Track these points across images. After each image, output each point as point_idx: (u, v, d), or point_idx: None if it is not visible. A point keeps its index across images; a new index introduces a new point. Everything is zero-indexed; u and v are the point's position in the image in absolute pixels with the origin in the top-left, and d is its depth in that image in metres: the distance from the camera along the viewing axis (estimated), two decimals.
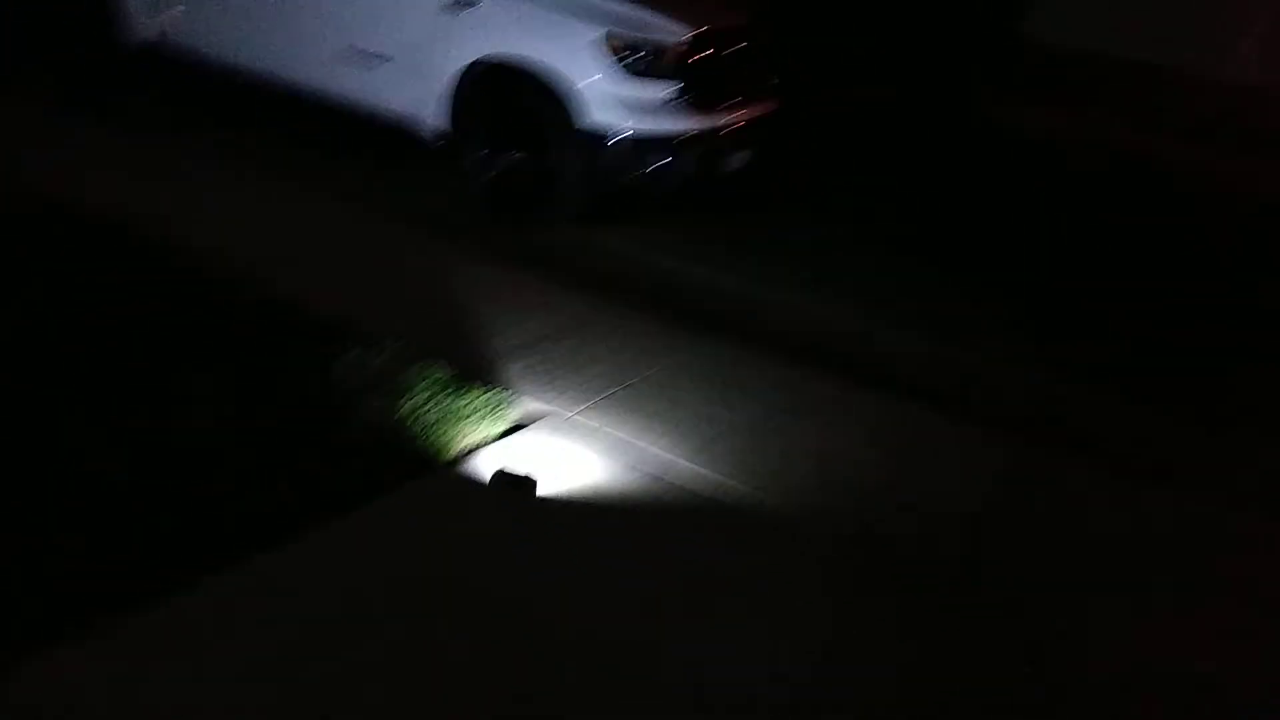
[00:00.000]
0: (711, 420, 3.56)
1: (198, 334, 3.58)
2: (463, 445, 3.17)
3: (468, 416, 3.28)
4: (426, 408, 3.28)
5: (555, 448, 3.26)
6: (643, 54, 4.99)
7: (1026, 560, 3.11)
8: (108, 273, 3.95)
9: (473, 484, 3.03)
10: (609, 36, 4.95)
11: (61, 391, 3.11)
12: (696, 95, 5.17)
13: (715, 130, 5.30)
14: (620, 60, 4.96)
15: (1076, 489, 3.57)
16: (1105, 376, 4.59)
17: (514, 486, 3.02)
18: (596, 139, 5.06)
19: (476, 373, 3.59)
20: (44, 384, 3.14)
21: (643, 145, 5.07)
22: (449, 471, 3.07)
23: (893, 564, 2.95)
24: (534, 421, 3.39)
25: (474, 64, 5.24)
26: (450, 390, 3.39)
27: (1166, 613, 2.99)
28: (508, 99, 5.27)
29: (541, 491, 3.02)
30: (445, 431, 3.20)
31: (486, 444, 3.21)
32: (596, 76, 4.99)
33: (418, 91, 5.42)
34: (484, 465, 3.10)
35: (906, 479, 3.42)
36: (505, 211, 5.42)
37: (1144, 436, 4.09)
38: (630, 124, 5.01)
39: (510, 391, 3.52)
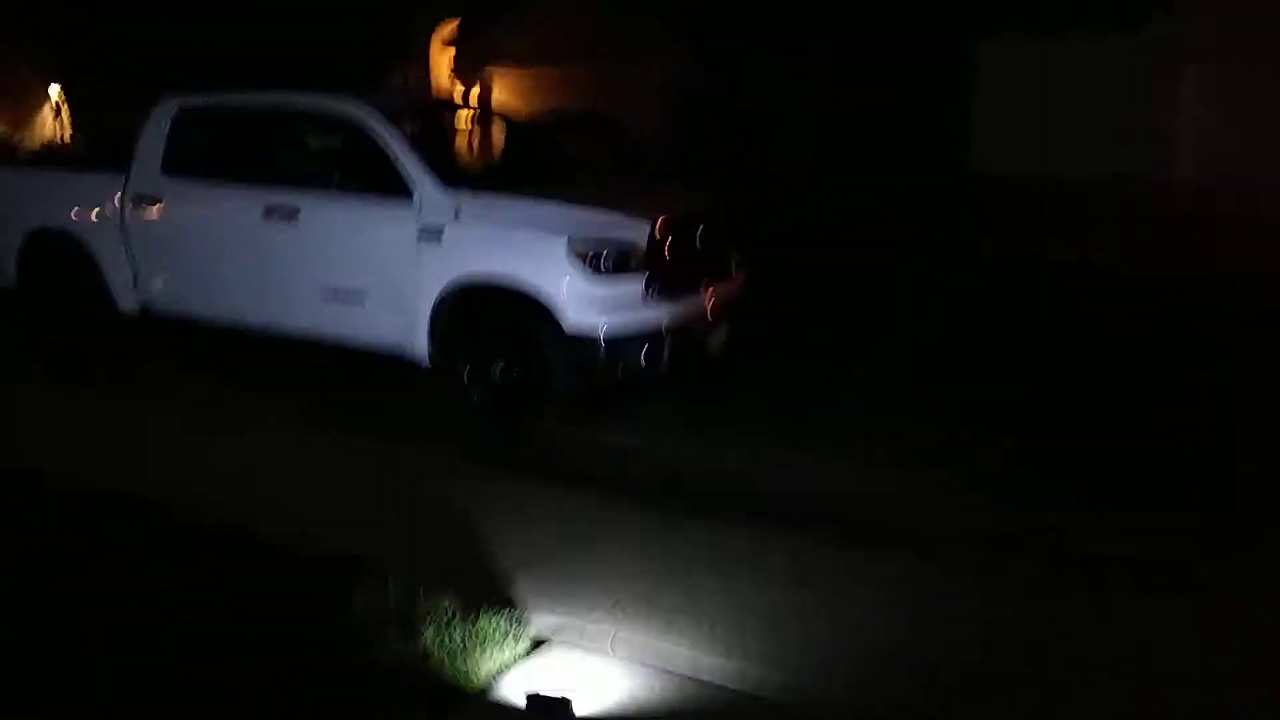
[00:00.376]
0: (731, 608, 3.52)
1: (206, 584, 3.59)
2: (489, 670, 3.13)
3: (488, 640, 3.25)
4: (446, 636, 3.25)
5: (581, 661, 3.22)
6: (609, 254, 5.19)
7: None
8: (113, 536, 3.97)
9: (508, 711, 2.97)
10: (573, 243, 5.17)
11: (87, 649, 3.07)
12: (668, 284, 5.35)
13: (692, 314, 5.47)
14: (589, 263, 5.16)
15: (1119, 619, 3.52)
16: (1101, 492, 4.61)
17: (549, 710, 2.96)
18: (578, 339, 5.20)
19: (490, 592, 3.56)
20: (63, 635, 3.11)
21: (624, 339, 5.22)
22: (481, 700, 3.02)
23: None
24: (555, 635, 3.36)
25: (450, 287, 5.44)
26: (467, 615, 3.36)
27: None
28: (488, 314, 5.45)
29: (578, 710, 2.95)
30: (469, 659, 3.16)
31: (512, 666, 3.17)
32: (569, 281, 5.18)
33: (401, 322, 5.61)
34: (513, 689, 3.05)
35: (930, 642, 3.36)
36: (500, 420, 5.51)
37: (1160, 551, 4.06)
38: (609, 320, 5.17)
39: (526, 608, 3.49)
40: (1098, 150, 16.69)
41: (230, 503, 4.35)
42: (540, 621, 3.43)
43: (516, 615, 3.43)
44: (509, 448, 5.26)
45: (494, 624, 3.34)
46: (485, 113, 8.15)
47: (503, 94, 24.92)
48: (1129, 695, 3.08)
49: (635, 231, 5.30)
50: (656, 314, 5.29)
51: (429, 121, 6.58)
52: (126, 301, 6.65)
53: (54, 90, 28.57)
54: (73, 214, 6.74)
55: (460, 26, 25.97)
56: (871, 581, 3.73)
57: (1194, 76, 16.65)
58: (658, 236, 5.35)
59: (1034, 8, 17.45)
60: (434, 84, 27.08)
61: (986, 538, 4.21)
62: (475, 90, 25.27)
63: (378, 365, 5.98)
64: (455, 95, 24.68)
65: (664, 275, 5.35)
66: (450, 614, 3.38)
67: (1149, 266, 10.00)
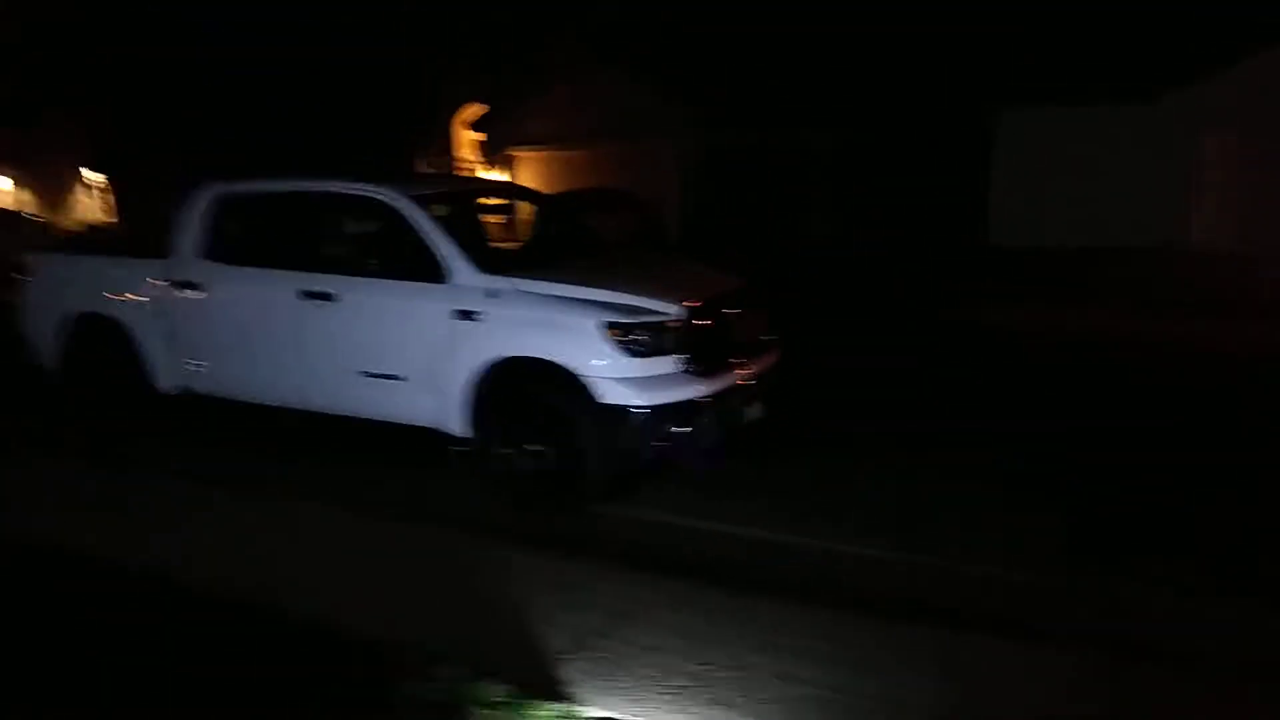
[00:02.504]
0: (787, 699, 3.45)
1: (246, 670, 3.56)
2: None
3: None
4: None
5: None
6: (642, 334, 5.23)
7: None
8: (149, 620, 3.95)
9: None
10: (605, 326, 5.21)
11: None
12: (702, 362, 5.38)
13: (725, 391, 5.48)
14: (623, 343, 5.19)
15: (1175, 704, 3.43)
16: (1157, 573, 4.51)
17: None
18: (613, 418, 5.21)
19: (536, 682, 3.51)
20: None
21: (659, 417, 5.21)
22: None
23: None
24: None
25: (486, 367, 5.48)
26: (515, 708, 3.31)
27: None
28: (523, 393, 5.48)
29: None
30: None
31: None
32: (603, 361, 5.21)
33: (438, 401, 5.64)
34: None
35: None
36: (536, 501, 5.49)
37: (1221, 633, 3.98)
38: (644, 399, 5.18)
39: (574, 701, 3.44)
40: (1114, 220, 16.78)
41: (269, 585, 4.33)
42: (590, 714, 3.37)
43: (572, 708, 3.37)
44: (546, 525, 5.24)
45: (550, 714, 3.28)
46: (513, 193, 8.30)
47: (525, 174, 25.40)
48: None
49: (668, 310, 5.34)
50: (691, 391, 5.30)
51: (461, 204, 6.69)
52: (166, 382, 6.73)
53: (88, 173, 29.37)
54: (114, 298, 6.86)
55: (483, 110, 26.60)
56: (916, 659, 3.66)
57: (1210, 147, 16.76)
58: (690, 315, 5.39)
59: (1050, 80, 17.63)
60: (457, 165, 27.66)
61: (1036, 616, 4.14)
62: (498, 171, 25.76)
63: (414, 444, 5.99)
64: (478, 176, 25.15)
65: (697, 353, 5.37)
66: (500, 702, 3.34)
67: (1173, 336, 9.98)
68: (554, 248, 6.68)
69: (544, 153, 25.25)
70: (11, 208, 29.93)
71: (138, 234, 19.16)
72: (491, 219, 7.46)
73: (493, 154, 26.10)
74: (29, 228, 22.74)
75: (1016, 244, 16.92)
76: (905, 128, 20.04)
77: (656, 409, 5.19)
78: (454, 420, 5.64)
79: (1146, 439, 6.60)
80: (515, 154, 25.80)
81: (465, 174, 25.91)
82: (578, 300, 5.38)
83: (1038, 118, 17.74)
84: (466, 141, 27.64)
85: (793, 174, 22.40)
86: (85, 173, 29.16)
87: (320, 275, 6.00)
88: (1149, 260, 14.78)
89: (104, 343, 6.88)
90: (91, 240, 20.99)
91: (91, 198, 29.02)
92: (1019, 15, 17.54)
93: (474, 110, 26.87)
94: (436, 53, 24.81)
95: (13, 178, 32.27)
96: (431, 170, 26.13)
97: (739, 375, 5.64)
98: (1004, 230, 17.83)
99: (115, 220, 27.53)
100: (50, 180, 31.39)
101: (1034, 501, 5.53)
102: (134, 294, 6.75)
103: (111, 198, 28.01)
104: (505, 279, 5.52)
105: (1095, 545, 4.93)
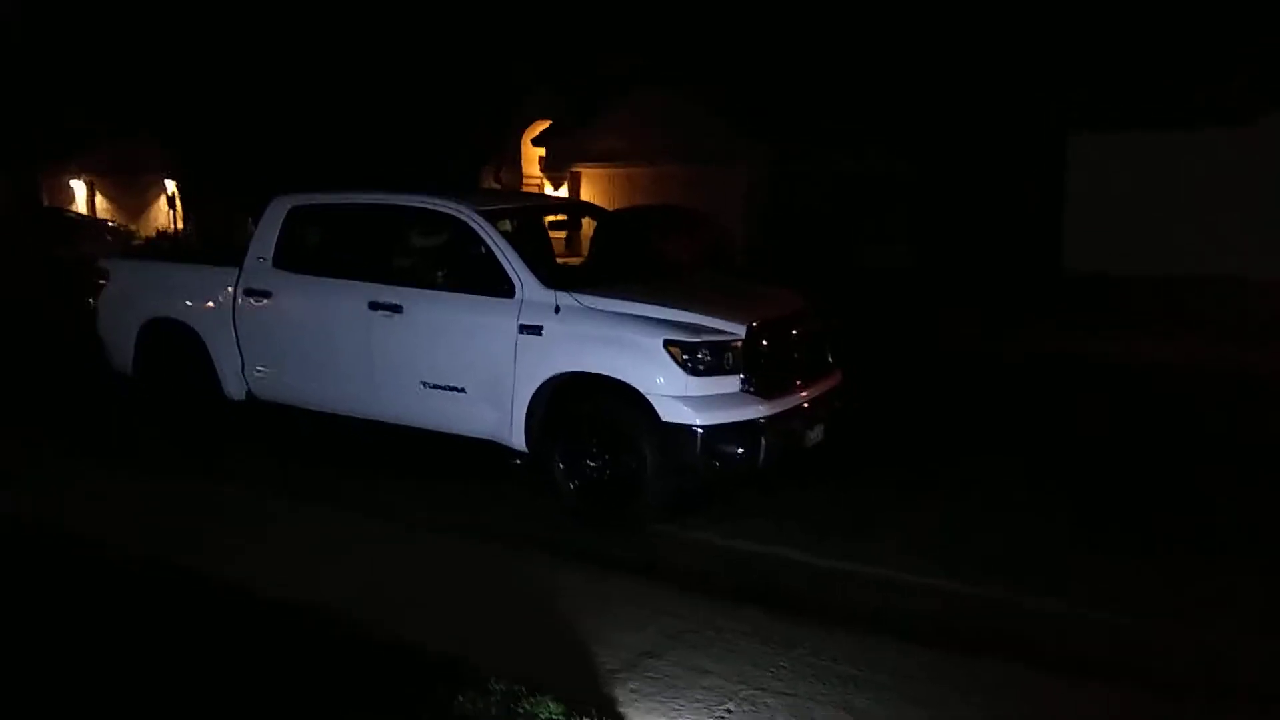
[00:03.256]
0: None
1: (292, 681, 3.59)
2: None
3: None
4: None
5: None
6: (705, 352, 5.21)
7: None
8: (203, 630, 4.01)
9: None
10: (668, 344, 5.20)
11: None
12: (763, 382, 5.34)
13: (787, 412, 5.42)
14: (686, 362, 5.17)
15: None
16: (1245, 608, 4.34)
17: None
18: (674, 436, 5.19)
19: (587, 701, 3.49)
20: None
21: (719, 436, 5.18)
22: None
23: None
24: None
25: (548, 382, 5.50)
26: None
27: None
28: (585, 408, 5.49)
29: None
30: None
31: None
32: (666, 379, 5.19)
33: (500, 414, 5.68)
34: None
35: None
36: (592, 517, 5.49)
37: None
38: (705, 418, 5.15)
39: (629, 715, 3.41)
40: (1196, 248, 16.25)
41: (322, 594, 4.37)
42: None
43: None
44: (602, 543, 5.22)
45: None
46: (580, 209, 8.35)
47: (589, 191, 25.59)
48: None
49: (731, 330, 5.32)
50: (753, 411, 5.26)
51: (529, 220, 6.75)
52: (234, 388, 6.87)
53: (169, 184, 30.29)
54: (187, 304, 7.03)
55: (549, 128, 26.87)
56: (975, 693, 3.56)
57: None
58: (753, 335, 5.35)
59: (1133, 101, 17.10)
60: (524, 182, 27.96)
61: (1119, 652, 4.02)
62: (564, 187, 26.00)
63: (471, 456, 6.03)
64: (544, 192, 25.42)
65: (760, 373, 5.33)
66: (554, 719, 3.32)
67: (1262, 369, 9.66)
68: (619, 265, 6.69)
69: (608, 169, 25.42)
70: (95, 215, 31.02)
71: (213, 242, 19.75)
72: (558, 235, 7.50)
73: (557, 169, 26.35)
74: (110, 234, 23.52)
75: (1092, 270, 16.47)
76: (977, 151, 19.74)
77: (717, 428, 5.16)
78: (514, 434, 5.66)
79: (1227, 476, 6.39)
80: (579, 169, 26.02)
81: (532, 189, 26.20)
82: (642, 318, 5.38)
83: (1116, 141, 17.31)
84: (534, 158, 27.95)
85: (861, 199, 22.21)
86: (168, 184, 30.09)
87: (389, 287, 6.09)
88: (1235, 289, 14.25)
89: (177, 348, 7.05)
90: (164, 247, 21.64)
91: (169, 207, 29.92)
92: (1101, 34, 17.16)
93: (542, 128, 27.16)
94: (508, 70, 25.13)
95: (96, 186, 33.44)
96: (496, 186, 26.46)
97: (801, 397, 5.58)
98: (1079, 256, 17.39)
99: (184, 228, 28.34)
100: (131, 189, 32.46)
101: (1112, 539, 5.36)
102: (206, 300, 6.91)
103: (181, 206, 28.85)
104: (570, 295, 5.55)
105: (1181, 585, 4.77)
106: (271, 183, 7.81)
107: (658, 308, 5.43)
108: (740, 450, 5.20)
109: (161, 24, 22.68)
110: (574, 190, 25.86)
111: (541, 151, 27.11)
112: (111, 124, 29.14)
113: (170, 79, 23.74)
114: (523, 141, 28.50)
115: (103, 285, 7.52)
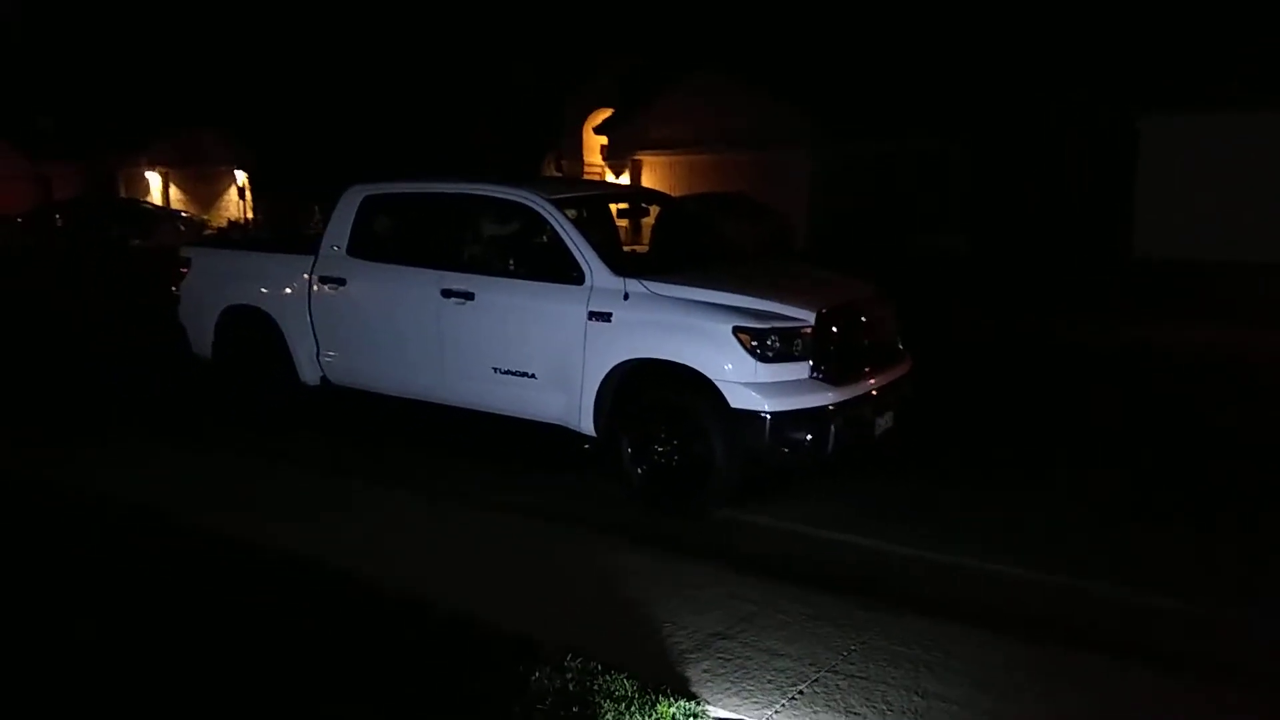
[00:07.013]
0: (911, 710, 3.40)
1: (381, 657, 3.71)
2: None
3: None
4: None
5: None
6: (774, 339, 5.22)
7: None
8: (288, 608, 4.15)
9: None
10: (737, 330, 5.23)
11: None
12: (832, 369, 5.34)
13: (856, 399, 5.42)
14: (755, 348, 5.19)
15: None
16: None
17: None
18: (743, 422, 5.21)
19: (659, 680, 3.55)
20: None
21: (787, 423, 5.19)
22: None
23: None
24: None
25: (617, 368, 5.57)
26: (640, 705, 3.35)
27: None
28: (653, 394, 5.55)
29: None
30: None
31: None
32: (735, 365, 5.22)
33: (569, 399, 5.77)
34: None
35: None
36: (660, 503, 5.55)
37: None
38: (774, 405, 5.17)
39: (698, 701, 3.46)
40: (1274, 233, 15.77)
41: (405, 574, 4.50)
42: (714, 715, 3.39)
43: (696, 707, 3.39)
44: (669, 528, 5.28)
45: (674, 712, 3.32)
46: (647, 197, 8.39)
47: (650, 178, 25.60)
48: None
49: (800, 316, 5.32)
50: (822, 398, 5.26)
51: (597, 208, 6.81)
52: (309, 373, 7.05)
53: (239, 175, 31.03)
54: (264, 291, 7.23)
55: (611, 116, 26.94)
56: (1045, 679, 3.55)
57: None
58: (822, 321, 5.35)
59: (1207, 82, 16.58)
60: (586, 169, 28.09)
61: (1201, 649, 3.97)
62: (625, 175, 26.04)
63: (537, 440, 6.12)
64: (606, 179, 25.48)
65: (829, 360, 5.34)
66: (629, 696, 3.39)
67: None
68: (686, 252, 6.72)
69: (669, 156, 25.41)
70: (169, 206, 31.86)
71: (288, 230, 20.14)
72: (625, 222, 7.55)
73: (619, 157, 26.41)
74: (184, 225, 24.14)
75: (1163, 255, 16.06)
76: (1042, 135, 19.36)
77: (786, 414, 5.17)
78: (583, 419, 5.74)
79: None
80: (640, 157, 26.04)
81: (594, 178, 26.30)
82: (710, 304, 5.41)
83: (1189, 123, 16.83)
84: (595, 145, 28.04)
85: (927, 183, 21.91)
86: (239, 175, 30.79)
87: (460, 274, 6.20)
88: None
89: (254, 334, 7.25)
90: (236, 237, 22.15)
91: (239, 197, 30.64)
92: (1176, 12, 16.68)
93: (603, 116, 27.24)
94: (570, 59, 25.27)
95: (170, 178, 34.36)
96: (558, 174, 26.60)
97: (871, 385, 5.57)
98: (1150, 241, 16.97)
99: (254, 218, 28.97)
100: (203, 180, 33.31)
101: (1184, 530, 5.28)
102: (282, 288, 7.10)
103: (251, 196, 29.51)
104: (639, 282, 5.60)
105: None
106: (339, 173, 7.97)
107: (726, 294, 5.46)
108: (809, 437, 5.21)
109: (236, 20, 23.22)
110: (635, 178, 25.91)
111: (603, 140, 27.20)
112: (185, 118, 29.90)
113: (242, 76, 24.29)
114: (584, 130, 28.62)
115: (184, 274, 7.76)
